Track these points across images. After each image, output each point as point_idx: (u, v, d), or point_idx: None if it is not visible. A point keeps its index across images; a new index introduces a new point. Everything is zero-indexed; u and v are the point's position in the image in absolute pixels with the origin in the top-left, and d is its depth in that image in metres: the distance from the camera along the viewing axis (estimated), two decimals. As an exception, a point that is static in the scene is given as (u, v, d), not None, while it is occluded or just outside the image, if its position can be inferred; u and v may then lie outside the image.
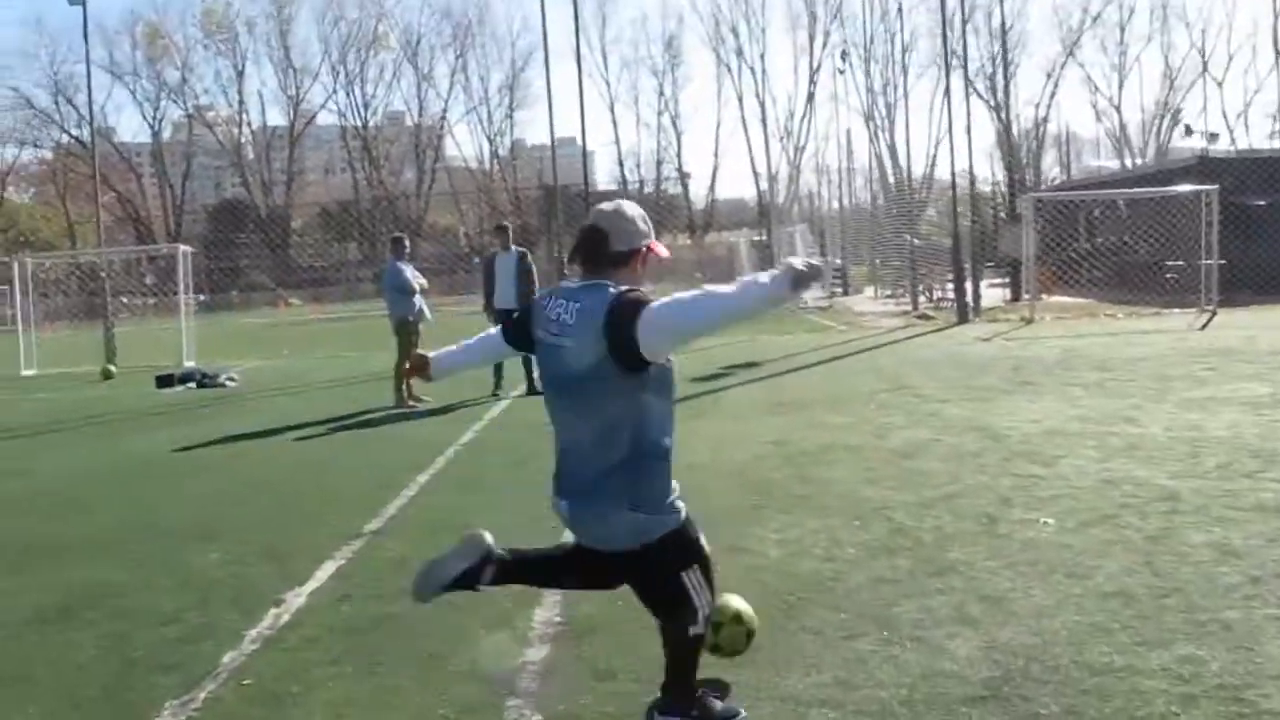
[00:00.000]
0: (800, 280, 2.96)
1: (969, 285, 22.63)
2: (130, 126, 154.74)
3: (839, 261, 37.95)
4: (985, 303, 23.57)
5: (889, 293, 32.47)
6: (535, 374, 12.57)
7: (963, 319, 21.53)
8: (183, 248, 24.33)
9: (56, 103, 71.85)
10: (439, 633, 4.56)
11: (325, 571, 5.66)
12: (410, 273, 12.86)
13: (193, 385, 16.85)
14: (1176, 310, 20.77)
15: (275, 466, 9.22)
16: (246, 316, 49.52)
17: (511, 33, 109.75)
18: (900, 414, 9.87)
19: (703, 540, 3.43)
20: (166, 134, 78.41)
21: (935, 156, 61.27)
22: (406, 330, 12.71)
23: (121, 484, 8.88)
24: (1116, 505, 6.08)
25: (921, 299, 27.29)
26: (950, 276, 23.98)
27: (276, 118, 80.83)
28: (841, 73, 54.60)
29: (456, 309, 30.19)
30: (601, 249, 3.30)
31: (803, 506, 6.49)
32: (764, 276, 3.01)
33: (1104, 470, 7.01)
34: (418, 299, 12.81)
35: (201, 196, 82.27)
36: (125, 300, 38.12)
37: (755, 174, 75.86)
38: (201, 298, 58.12)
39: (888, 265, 33.48)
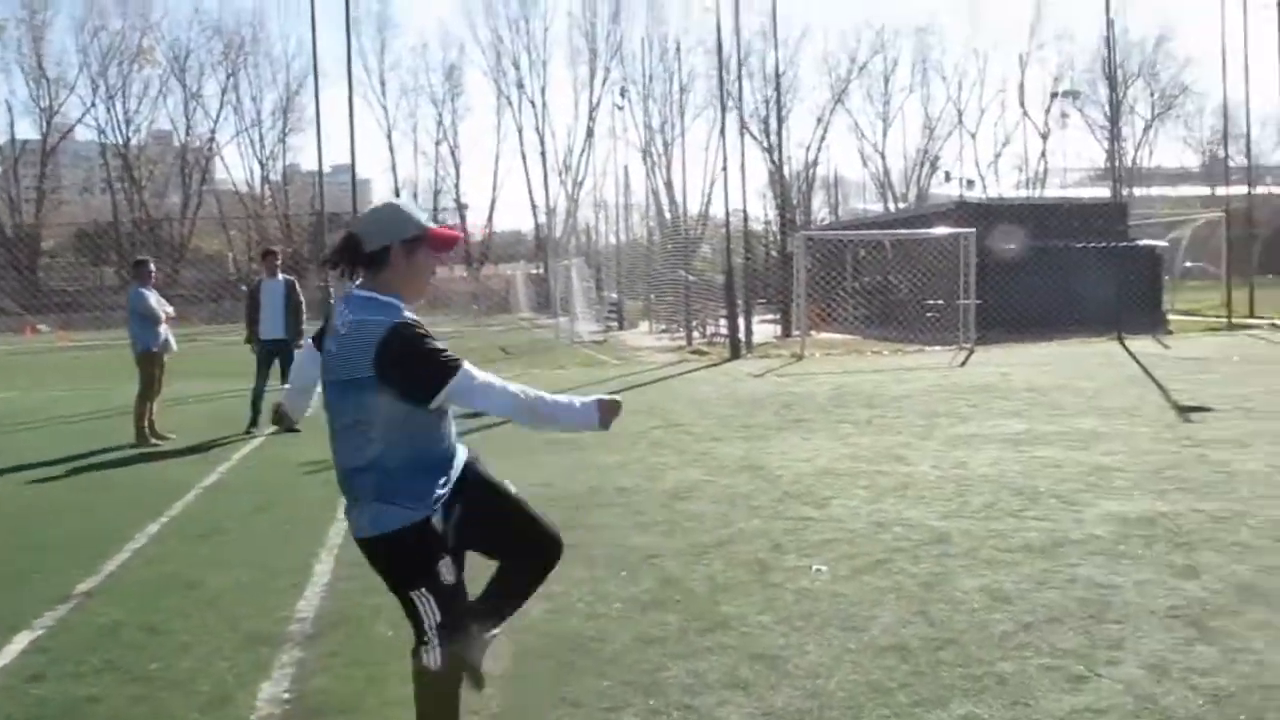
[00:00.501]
0: (610, 422, 3.25)
1: (741, 321, 22.89)
2: None
3: (615, 296, 38.04)
4: (757, 338, 23.90)
5: (663, 328, 32.65)
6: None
7: (735, 355, 21.71)
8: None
9: None
10: (147, 719, 3.93)
11: (18, 644, 4.87)
12: (155, 299, 11.86)
13: (-97, 422, 15.11)
14: (937, 347, 21.56)
15: (-15, 515, 8.17)
16: (-15, 344, 45.67)
17: (286, 54, 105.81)
18: (672, 453, 9.65)
19: (443, 570, 3.20)
20: (-102, 143, 72.14)
21: (710, 194, 62.85)
22: (150, 361, 11.72)
23: None
24: (889, 549, 5.96)
25: (695, 334, 27.50)
26: (724, 312, 24.22)
27: (27, 130, 75.12)
28: (620, 109, 55.51)
29: (222, 339, 28.63)
30: (355, 254, 3.21)
31: (568, 556, 5.99)
32: (578, 402, 3.26)
33: (876, 511, 6.92)
34: (163, 328, 11.83)
35: (-61, 213, 75.91)
36: None
37: (534, 207, 75.56)
38: (-66, 323, 53.57)
39: (663, 300, 33.64)
